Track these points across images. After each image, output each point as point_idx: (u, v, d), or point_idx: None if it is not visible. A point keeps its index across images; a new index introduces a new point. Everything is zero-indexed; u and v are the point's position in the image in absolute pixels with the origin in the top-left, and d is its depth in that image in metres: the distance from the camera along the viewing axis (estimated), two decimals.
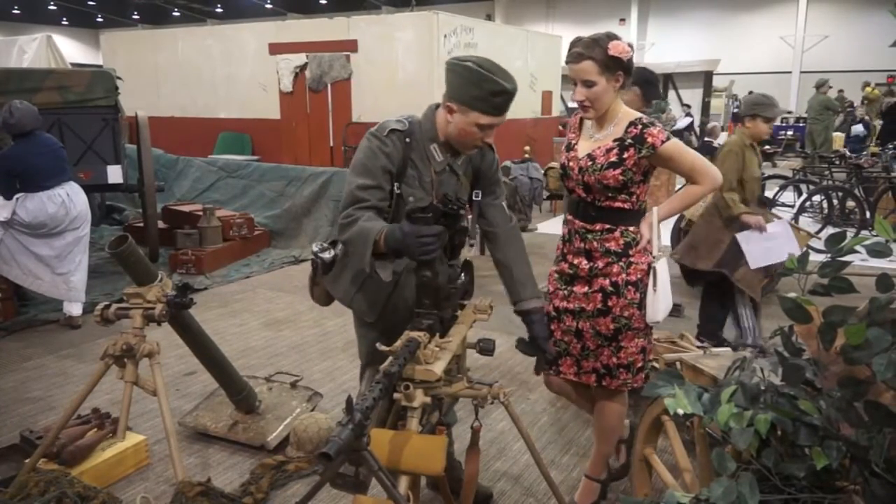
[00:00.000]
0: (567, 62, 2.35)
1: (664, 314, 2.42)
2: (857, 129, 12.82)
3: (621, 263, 2.43)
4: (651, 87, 4.06)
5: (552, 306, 2.57)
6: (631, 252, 2.44)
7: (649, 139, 2.34)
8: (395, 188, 2.24)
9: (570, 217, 2.54)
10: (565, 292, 2.54)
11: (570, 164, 2.48)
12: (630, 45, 2.33)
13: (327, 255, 2.34)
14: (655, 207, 2.50)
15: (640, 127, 2.36)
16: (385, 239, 2.06)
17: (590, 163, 2.40)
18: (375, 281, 2.27)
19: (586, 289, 2.48)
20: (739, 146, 3.95)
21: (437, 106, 2.28)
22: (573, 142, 2.53)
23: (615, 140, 2.38)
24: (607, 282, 2.44)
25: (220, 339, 3.83)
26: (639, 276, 2.44)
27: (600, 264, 2.45)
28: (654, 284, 2.41)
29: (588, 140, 2.48)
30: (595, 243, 2.45)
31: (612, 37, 2.30)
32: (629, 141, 2.35)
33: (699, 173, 2.43)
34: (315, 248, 2.37)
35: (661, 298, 2.41)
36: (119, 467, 3.01)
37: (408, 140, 2.24)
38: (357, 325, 2.53)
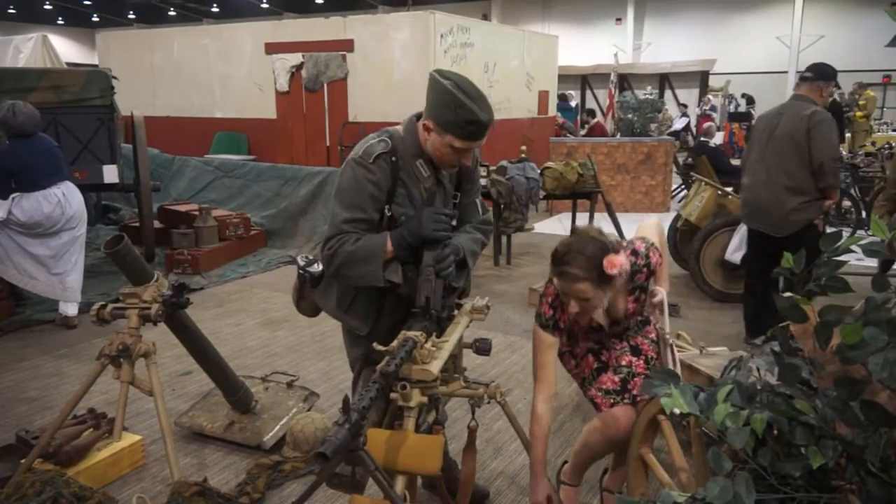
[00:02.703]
0: (557, 276, 2.18)
1: None
2: None
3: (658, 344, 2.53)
4: (829, 79, 4.10)
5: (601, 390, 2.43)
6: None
7: (654, 266, 2.39)
8: (386, 210, 2.19)
9: (591, 343, 2.47)
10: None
11: (608, 330, 2.42)
12: (619, 262, 2.14)
13: (315, 269, 2.33)
14: (663, 291, 2.50)
15: (643, 272, 2.35)
16: (394, 238, 2.11)
17: (628, 321, 2.43)
18: (367, 293, 2.26)
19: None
20: None
21: (418, 117, 2.20)
22: (593, 323, 2.39)
23: (630, 291, 2.37)
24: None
25: (216, 339, 3.81)
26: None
27: (653, 354, 2.46)
28: (675, 364, 2.44)
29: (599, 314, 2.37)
30: (639, 337, 2.47)
31: (604, 248, 2.13)
32: (642, 283, 2.39)
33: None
34: (301, 262, 2.35)
35: None
36: (115, 467, 3.00)
37: (394, 159, 2.17)
38: (346, 336, 2.48)
